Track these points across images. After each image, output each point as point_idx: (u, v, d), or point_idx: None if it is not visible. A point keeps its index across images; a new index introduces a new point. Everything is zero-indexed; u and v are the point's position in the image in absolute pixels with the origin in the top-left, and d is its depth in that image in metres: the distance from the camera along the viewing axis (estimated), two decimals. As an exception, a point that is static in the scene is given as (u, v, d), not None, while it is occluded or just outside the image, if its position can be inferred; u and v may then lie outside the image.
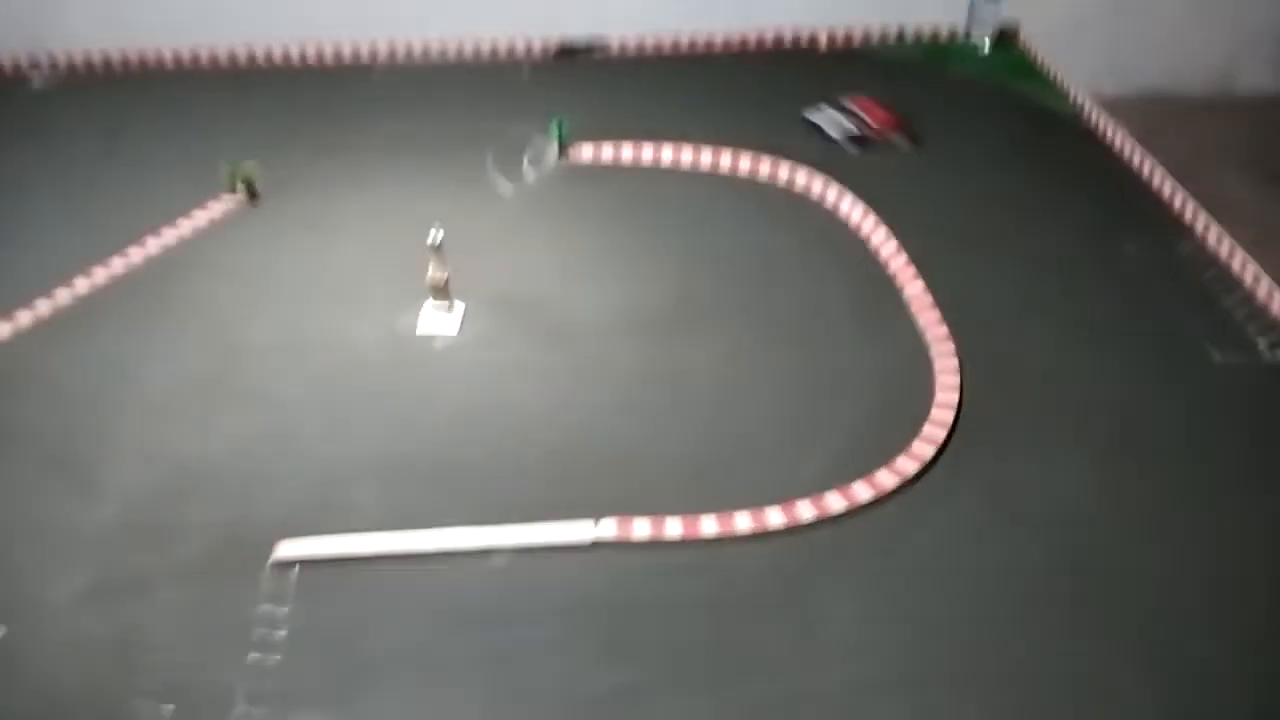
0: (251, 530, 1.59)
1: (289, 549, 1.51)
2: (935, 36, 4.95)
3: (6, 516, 1.59)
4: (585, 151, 2.78)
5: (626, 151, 2.85)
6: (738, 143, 3.06)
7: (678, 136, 2.94)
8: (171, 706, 1.25)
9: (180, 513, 1.64)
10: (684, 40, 3.53)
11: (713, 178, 2.89)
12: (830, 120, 3.12)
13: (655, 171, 2.80)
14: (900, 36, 4.90)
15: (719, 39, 3.71)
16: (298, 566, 1.48)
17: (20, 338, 2.00)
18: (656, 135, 2.82)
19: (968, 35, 5.14)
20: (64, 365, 1.95)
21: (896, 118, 3.21)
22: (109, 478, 1.71)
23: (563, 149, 2.73)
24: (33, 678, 1.40)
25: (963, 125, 3.97)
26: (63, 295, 2.08)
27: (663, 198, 2.70)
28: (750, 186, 2.99)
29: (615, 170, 2.76)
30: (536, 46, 3.23)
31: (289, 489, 1.66)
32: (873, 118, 3.14)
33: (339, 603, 1.47)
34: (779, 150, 3.18)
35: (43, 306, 2.02)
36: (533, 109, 2.95)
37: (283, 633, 1.40)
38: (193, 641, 1.44)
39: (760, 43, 3.87)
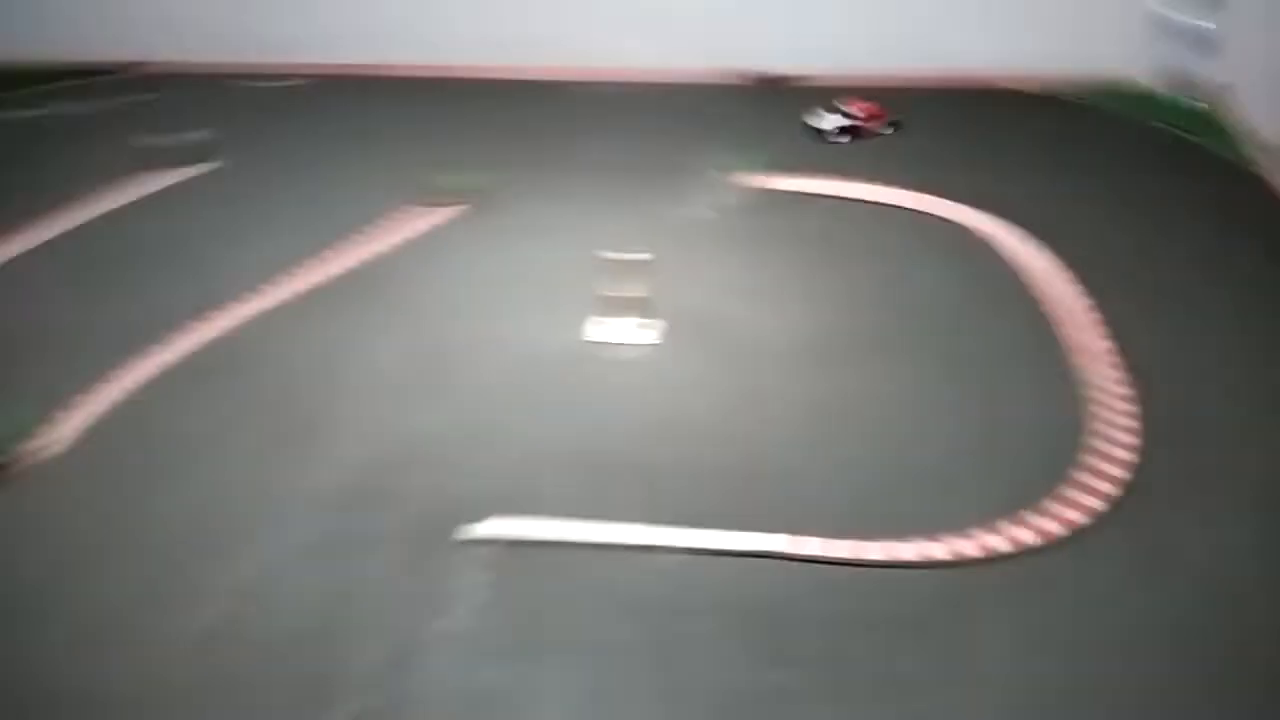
0: (453, 506, 1.75)
1: (486, 527, 1.67)
2: (1116, 82, 4.79)
3: (246, 479, 1.78)
4: (778, 181, 2.77)
5: (817, 183, 2.82)
6: (926, 181, 2.99)
7: (867, 172, 2.90)
8: (381, 654, 1.42)
9: (394, 482, 1.81)
10: (878, 78, 3.51)
11: (898, 213, 2.84)
12: (825, 120, 3.05)
13: (843, 204, 2.78)
14: (1082, 81, 4.76)
15: (912, 78, 3.68)
16: (494, 544, 1.64)
17: (259, 322, 2.19)
18: (847, 170, 2.79)
19: (1165, 87, 4.91)
20: (306, 343, 2.13)
21: (882, 111, 3.12)
22: (337, 448, 1.89)
23: (757, 177, 2.69)
24: (262, 619, 1.58)
25: (1152, 176, 3.81)
26: (302, 284, 2.27)
27: (849, 230, 2.68)
28: (934, 225, 2.94)
29: (805, 200, 2.75)
30: (738, 77, 3.30)
31: (487, 474, 1.80)
32: (860, 111, 3.08)
33: (529, 580, 1.61)
34: (965, 192, 3.10)
35: (289, 292, 2.21)
36: (731, 138, 2.95)
37: (477, 599, 1.55)
38: (398, 600, 1.60)
39: (952, 83, 3.80)
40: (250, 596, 1.72)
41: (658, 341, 2.24)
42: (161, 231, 2.80)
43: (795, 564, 1.83)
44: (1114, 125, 3.82)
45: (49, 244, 2.67)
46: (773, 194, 2.86)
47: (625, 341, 2.26)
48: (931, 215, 2.92)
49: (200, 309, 2.38)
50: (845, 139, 3.08)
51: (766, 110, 3.40)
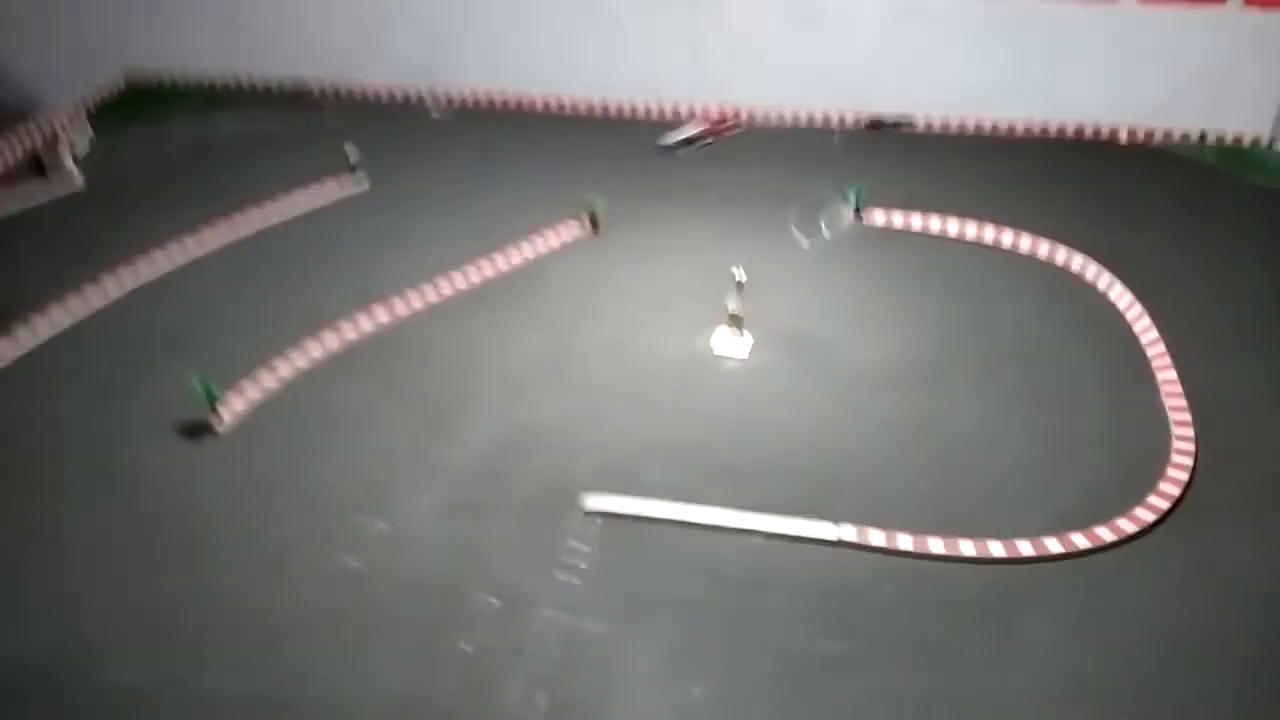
0: (568, 483, 2.07)
1: (595, 502, 1.98)
2: (1237, 142, 4.85)
3: (393, 449, 2.12)
4: (879, 216, 3.02)
5: (916, 220, 3.05)
6: (1021, 222, 3.17)
7: (966, 211, 3.10)
8: (497, 601, 1.75)
9: (516, 462, 2.14)
10: (987, 124, 3.72)
11: (992, 252, 3.05)
12: (677, 136, 3.24)
13: (941, 240, 3.01)
14: (1201, 139, 4.85)
15: (1020, 126, 3.88)
16: (601, 517, 1.95)
17: (410, 320, 2.54)
18: (946, 208, 3.02)
19: (1271, 144, 4.97)
20: (445, 340, 2.47)
21: (732, 118, 3.28)
22: (468, 429, 2.23)
23: (859, 212, 2.95)
24: (402, 564, 1.93)
25: (1251, 230, 3.91)
26: (445, 289, 2.61)
27: (943, 265, 2.90)
28: (1026, 264, 3.14)
29: (903, 235, 2.99)
30: (848, 118, 3.56)
31: (598, 457, 2.11)
32: (709, 122, 3.27)
33: (629, 549, 1.92)
34: (1060, 234, 3.28)
35: (429, 295, 2.56)
36: (837, 174, 3.20)
37: (584, 564, 1.86)
38: (515, 558, 1.93)
39: (1060, 133, 3.99)
40: (395, 545, 2.00)
41: (756, 356, 2.45)
42: (329, 237, 3.16)
43: (863, 553, 1.99)
44: (1231, 185, 3.85)
45: (238, 243, 3.08)
46: (878, 229, 3.02)
47: (728, 353, 2.47)
48: (1032, 257, 3.03)
49: (361, 305, 2.70)
50: (687, 147, 3.25)
51: (879, 152, 3.56)
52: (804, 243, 2.89)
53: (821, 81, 4.46)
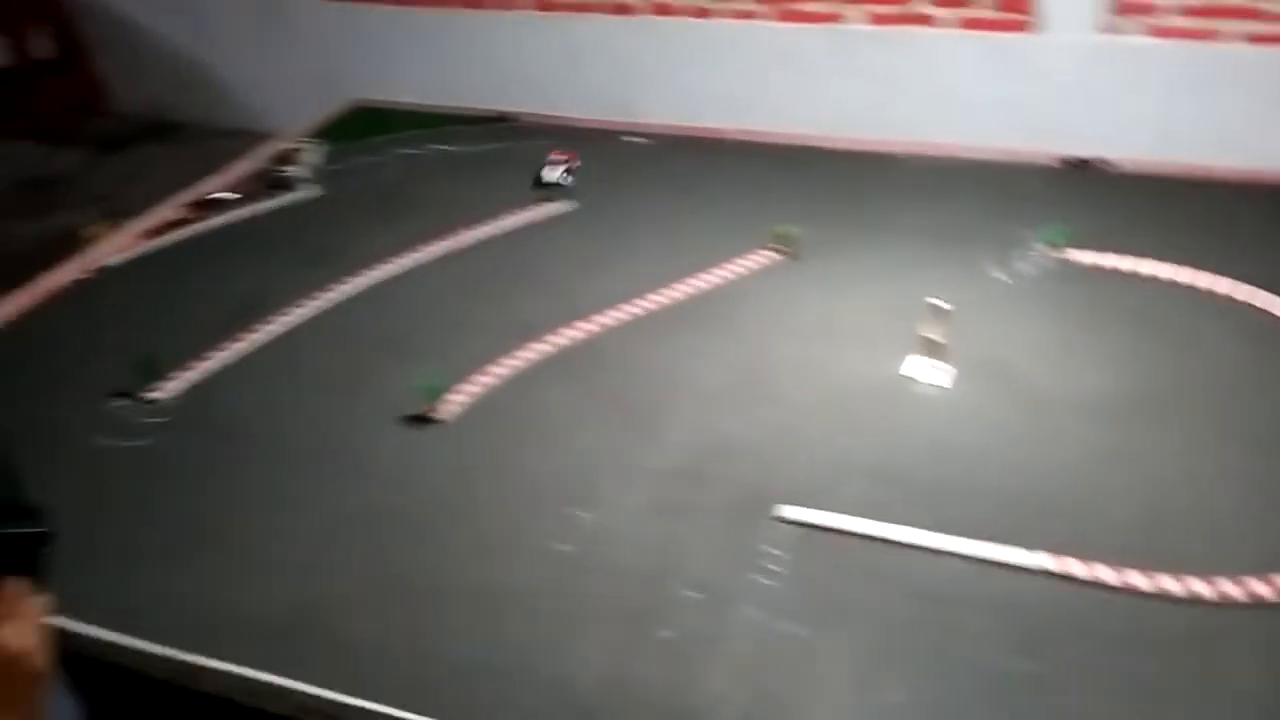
0: (764, 492, 2.19)
1: (790, 511, 2.09)
2: None
3: (597, 449, 2.28)
4: (1077, 254, 3.09)
5: (1115, 259, 3.11)
6: (1223, 266, 3.23)
7: (1165, 252, 3.16)
8: (698, 595, 1.87)
9: (714, 468, 2.28)
10: (1187, 166, 3.77)
11: (1191, 293, 3.09)
12: (552, 172, 3.32)
13: (1139, 280, 3.06)
14: None
15: (1223, 172, 3.91)
16: (796, 526, 2.06)
17: (611, 333, 2.72)
18: (1145, 248, 3.07)
19: None
20: (645, 353, 2.65)
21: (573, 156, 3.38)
22: (667, 435, 2.38)
23: (1057, 249, 3.02)
24: (608, 554, 2.09)
25: None
26: (643, 306, 2.79)
27: (1143, 304, 2.95)
28: (1227, 306, 3.16)
29: (1102, 273, 3.05)
30: (1048, 157, 3.63)
31: (795, 471, 2.23)
32: (562, 156, 3.31)
33: (824, 559, 2.04)
34: (1262, 280, 3.31)
35: (630, 310, 2.74)
36: (1037, 213, 3.27)
37: (779, 568, 1.98)
38: (713, 556, 2.06)
39: (1264, 179, 4.01)
40: (598, 536, 2.06)
41: (953, 384, 2.42)
42: (533, 255, 3.28)
43: (1060, 581, 1.91)
44: None
45: (453, 255, 3.25)
46: (1072, 266, 2.94)
47: (922, 379, 2.44)
48: (1231, 300, 2.89)
49: (566, 316, 2.80)
50: (569, 180, 3.14)
51: (1075, 190, 3.47)
52: (1001, 277, 2.83)
53: (1017, 118, 4.38)
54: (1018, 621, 1.88)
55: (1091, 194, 3.66)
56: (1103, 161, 3.65)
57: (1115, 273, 3.10)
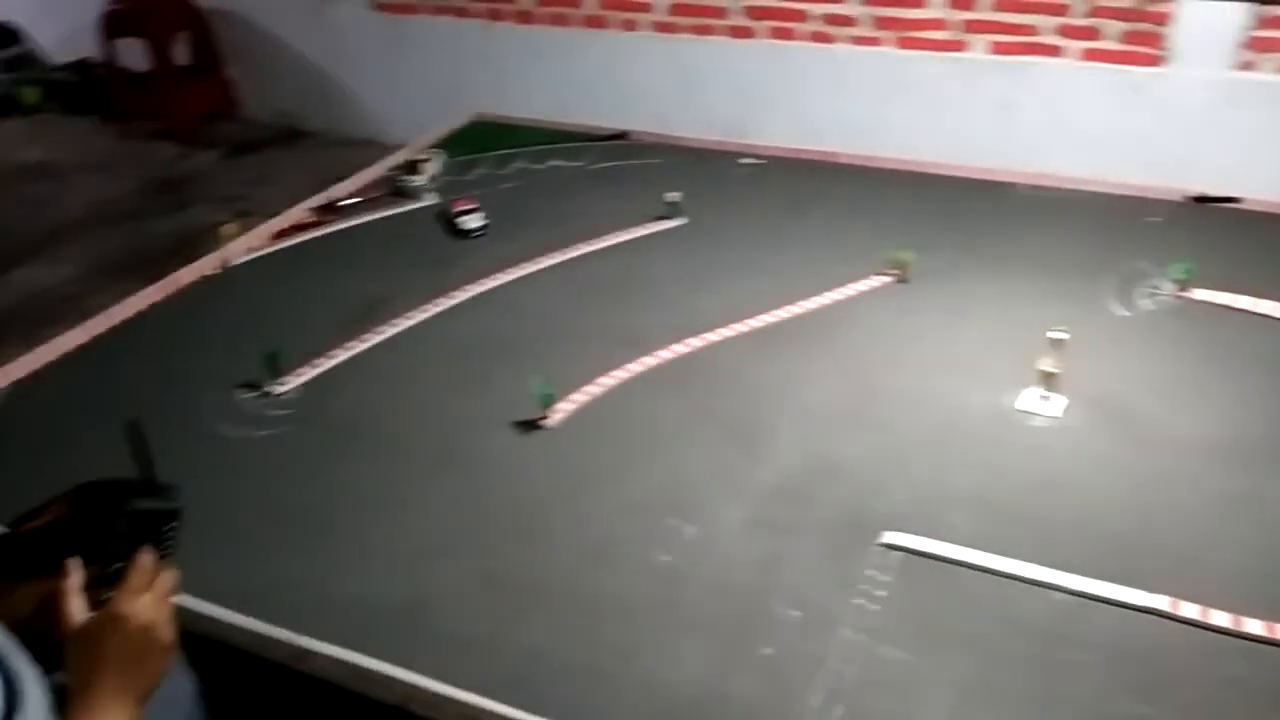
0: (868, 516, 2.18)
1: (894, 537, 2.07)
2: None
3: (701, 462, 2.28)
4: (1201, 293, 3.01)
5: (1242, 300, 3.02)
6: None
7: None
8: (797, 613, 1.86)
9: (818, 489, 2.27)
10: None
11: None
12: (470, 220, 3.10)
13: (1268, 322, 2.96)
14: None
15: None
16: (899, 553, 2.04)
17: (720, 349, 2.73)
18: (1274, 291, 2.97)
19: None
20: (752, 371, 2.65)
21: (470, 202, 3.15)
22: (772, 453, 2.38)
23: (1181, 287, 2.95)
24: (709, 567, 2.09)
25: None
26: (752, 324, 2.79)
27: (1269, 347, 2.85)
28: None
29: (1228, 313, 2.96)
30: (1173, 193, 3.53)
31: (900, 497, 2.21)
32: (466, 205, 3.10)
33: (928, 586, 2.01)
34: None
35: (738, 327, 2.74)
36: (1160, 249, 3.20)
37: (882, 593, 1.96)
38: (815, 576, 2.05)
39: None
40: (700, 549, 2.06)
41: (1066, 417, 2.35)
42: (643, 269, 3.30)
43: (1175, 624, 1.83)
44: None
45: (553, 268, 3.29)
46: (1196, 304, 2.83)
47: (1039, 411, 2.37)
48: None
49: (675, 330, 2.81)
50: (482, 233, 2.97)
51: (1199, 226, 3.34)
52: (1121, 312, 2.75)
53: (1141, 151, 4.27)
54: (1127, 662, 1.83)
55: (1217, 232, 3.55)
56: (1230, 199, 3.54)
57: (1241, 313, 3.00)
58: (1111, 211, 3.66)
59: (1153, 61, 4.31)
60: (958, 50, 4.68)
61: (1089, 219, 3.59)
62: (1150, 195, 3.63)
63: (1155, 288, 3.01)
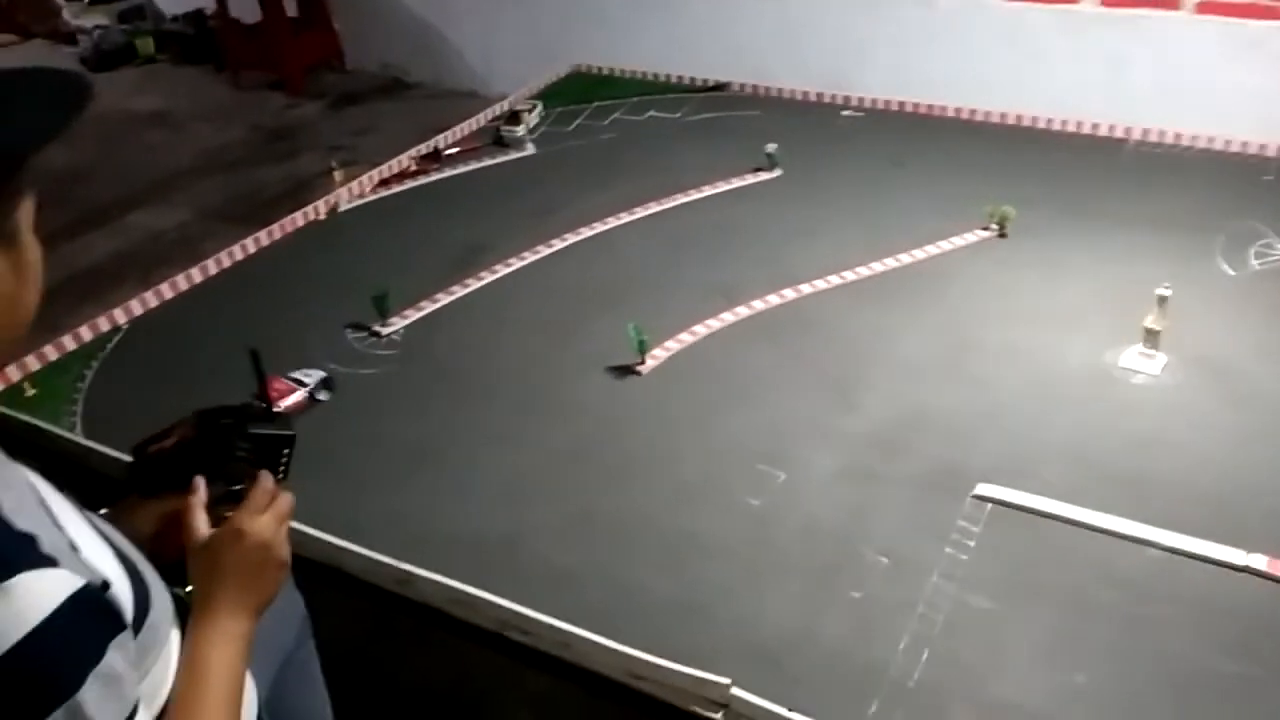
0: (960, 468, 2.16)
1: (987, 489, 2.05)
2: None
3: (793, 411, 2.28)
4: None
5: None
6: None
7: None
8: (886, 560, 1.87)
9: (910, 440, 2.26)
10: None
11: None
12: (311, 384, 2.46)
13: None
14: None
15: None
16: (991, 505, 2.03)
17: (815, 299, 2.71)
18: None
19: None
20: (847, 322, 2.62)
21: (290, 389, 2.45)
22: (864, 403, 2.37)
23: None
24: (798, 512, 2.10)
25: None
26: (848, 276, 2.76)
27: None
28: None
29: None
30: (1277, 150, 3.37)
31: (993, 450, 2.19)
32: (275, 393, 2.40)
33: (1018, 538, 2.00)
34: None
35: (833, 279, 2.73)
36: (1270, 208, 3.09)
37: (972, 543, 1.95)
38: (906, 526, 2.05)
39: None
40: (793, 494, 2.11)
41: (1168, 374, 2.32)
42: (739, 220, 3.34)
43: (1270, 584, 1.82)
44: None
45: (650, 218, 3.36)
46: None
47: (1134, 368, 2.35)
48: None
49: (769, 281, 2.85)
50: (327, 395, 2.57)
51: None
52: (1227, 270, 2.69)
53: (1256, 110, 4.13)
54: (1218, 619, 1.81)
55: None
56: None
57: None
58: (1223, 170, 3.56)
59: (1271, 15, 4.15)
60: (1066, 2, 4.56)
61: (1199, 177, 3.49)
62: (1265, 154, 3.51)
63: (1266, 248, 2.93)
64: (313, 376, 2.31)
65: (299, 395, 2.27)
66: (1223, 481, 2.10)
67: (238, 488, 1.28)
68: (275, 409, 2.20)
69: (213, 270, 2.90)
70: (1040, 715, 1.59)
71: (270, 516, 1.25)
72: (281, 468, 1.35)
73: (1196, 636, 1.77)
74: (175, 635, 1.14)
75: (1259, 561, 1.86)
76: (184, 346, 2.65)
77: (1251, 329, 2.63)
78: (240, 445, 1.31)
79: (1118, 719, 1.59)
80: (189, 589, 1.22)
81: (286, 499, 1.29)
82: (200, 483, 1.26)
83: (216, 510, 1.26)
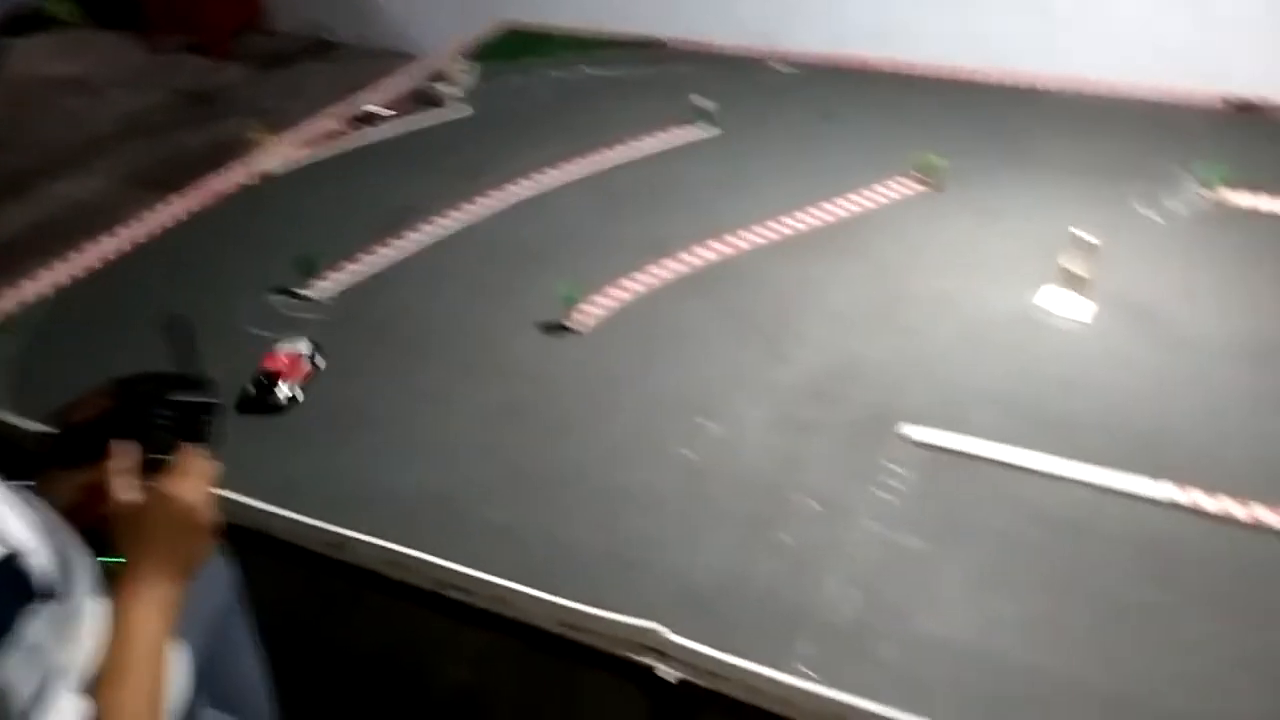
0: (890, 413, 2.23)
1: (915, 432, 2.11)
2: None
3: (727, 363, 2.33)
4: (1236, 197, 3.00)
5: (1275, 204, 3.00)
6: None
7: None
8: (817, 505, 1.92)
9: (841, 389, 2.32)
10: None
11: None
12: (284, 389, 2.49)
13: None
14: None
15: None
16: (920, 448, 2.09)
17: (748, 253, 2.76)
18: None
19: None
20: (779, 275, 2.68)
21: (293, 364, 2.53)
22: (796, 354, 2.42)
23: (1213, 191, 2.94)
24: (732, 463, 2.15)
25: None
26: (780, 230, 2.82)
27: None
28: None
29: (1260, 217, 2.95)
30: (1209, 97, 3.48)
31: (922, 396, 2.25)
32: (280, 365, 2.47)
33: (947, 479, 2.06)
34: None
35: (766, 233, 2.77)
36: (1193, 153, 3.18)
37: (901, 485, 2.01)
38: (836, 471, 2.10)
39: None
40: (724, 446, 2.12)
41: (1092, 319, 2.36)
42: (669, 177, 3.32)
43: (1192, 515, 1.88)
44: None
45: (596, 175, 3.34)
46: (1228, 208, 2.81)
47: (1060, 312, 2.39)
48: None
49: (703, 237, 2.85)
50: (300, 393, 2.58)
51: (1236, 132, 3.28)
52: (1152, 216, 2.73)
53: (1178, 55, 4.19)
54: (1144, 552, 1.89)
55: (1254, 136, 3.52)
56: (1267, 103, 3.50)
57: (1272, 216, 3.00)
58: (1146, 116, 3.64)
59: (1193, -38, 4.22)
60: (991, -49, 4.60)
61: (1123, 124, 3.57)
62: (1186, 100, 3.59)
63: (1187, 192, 3.01)
64: (303, 344, 2.32)
65: (305, 364, 2.28)
66: (1148, 420, 2.17)
67: (160, 456, 1.28)
68: (283, 381, 2.21)
69: (138, 237, 2.86)
70: (968, 648, 1.65)
71: (194, 482, 1.25)
72: (206, 434, 1.36)
73: (1122, 569, 1.83)
74: (100, 604, 1.14)
75: (1179, 495, 1.93)
76: (108, 316, 2.62)
77: (1177, 273, 2.72)
78: (162, 413, 1.31)
79: (1044, 649, 1.65)
80: (114, 558, 1.22)
81: (210, 464, 1.29)
82: (121, 450, 1.25)
83: (139, 479, 1.25)
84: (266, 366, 2.35)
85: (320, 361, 2.33)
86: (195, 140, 6.41)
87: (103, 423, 1.26)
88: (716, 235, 2.96)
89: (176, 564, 1.15)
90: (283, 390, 2.20)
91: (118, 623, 1.07)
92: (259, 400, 2.18)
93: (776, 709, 1.49)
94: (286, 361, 2.26)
